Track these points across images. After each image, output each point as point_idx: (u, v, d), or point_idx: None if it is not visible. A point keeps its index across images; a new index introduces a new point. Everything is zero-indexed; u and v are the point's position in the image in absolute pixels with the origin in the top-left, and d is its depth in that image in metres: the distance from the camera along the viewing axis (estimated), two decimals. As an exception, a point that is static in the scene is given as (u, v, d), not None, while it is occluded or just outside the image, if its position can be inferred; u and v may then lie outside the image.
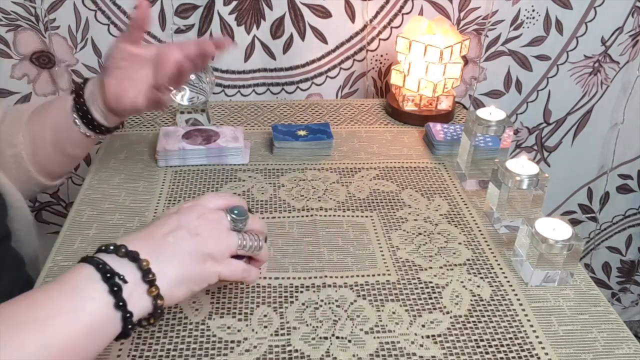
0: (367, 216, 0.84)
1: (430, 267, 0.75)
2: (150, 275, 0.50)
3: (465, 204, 0.88)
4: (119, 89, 0.73)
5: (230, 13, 1.13)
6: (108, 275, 0.48)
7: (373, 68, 1.25)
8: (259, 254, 0.61)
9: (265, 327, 0.65)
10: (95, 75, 0.86)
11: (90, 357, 0.49)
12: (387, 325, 0.66)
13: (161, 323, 0.65)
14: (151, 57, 0.73)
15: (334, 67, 1.23)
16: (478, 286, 0.72)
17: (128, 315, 0.49)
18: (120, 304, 0.48)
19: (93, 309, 0.48)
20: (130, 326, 0.49)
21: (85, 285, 0.48)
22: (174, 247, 0.53)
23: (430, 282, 0.73)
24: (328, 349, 0.63)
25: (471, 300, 0.70)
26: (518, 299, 0.70)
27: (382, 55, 1.24)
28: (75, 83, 0.76)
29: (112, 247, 0.51)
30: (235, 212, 0.59)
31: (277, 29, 1.17)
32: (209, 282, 0.56)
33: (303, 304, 0.69)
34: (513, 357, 0.63)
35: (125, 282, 0.49)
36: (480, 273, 0.74)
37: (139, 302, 0.50)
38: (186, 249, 0.54)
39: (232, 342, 0.63)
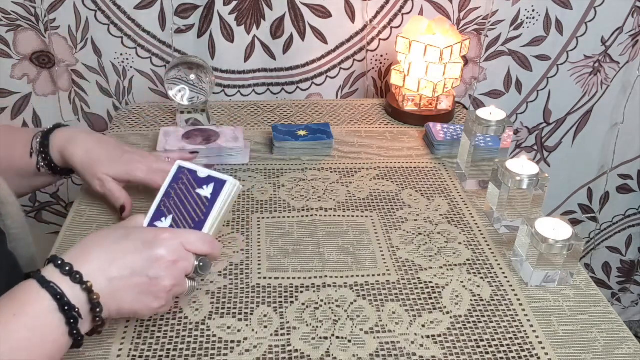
0: (367, 216, 0.84)
1: (430, 267, 0.75)
2: (97, 310, 0.55)
3: (465, 204, 0.88)
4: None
5: (230, 13, 1.13)
6: (66, 308, 0.52)
7: (373, 68, 1.25)
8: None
9: (265, 327, 0.65)
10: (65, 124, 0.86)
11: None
12: (387, 325, 0.66)
13: (161, 323, 0.65)
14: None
15: (334, 67, 1.23)
16: (478, 286, 0.72)
17: (80, 338, 0.54)
18: (75, 332, 0.53)
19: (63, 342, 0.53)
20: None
21: (49, 322, 0.52)
22: (128, 284, 0.56)
23: (430, 282, 0.73)
24: (328, 349, 0.63)
25: (471, 300, 0.70)
26: (518, 299, 0.70)
27: (382, 55, 1.24)
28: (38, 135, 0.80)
29: (70, 273, 0.54)
30: (201, 264, 0.61)
31: (277, 29, 1.17)
32: (142, 317, 0.63)
33: (303, 304, 0.69)
34: (513, 357, 0.63)
35: (80, 316, 0.53)
36: (480, 273, 0.74)
37: (84, 326, 0.55)
38: (138, 288, 0.57)
39: (232, 342, 0.63)
